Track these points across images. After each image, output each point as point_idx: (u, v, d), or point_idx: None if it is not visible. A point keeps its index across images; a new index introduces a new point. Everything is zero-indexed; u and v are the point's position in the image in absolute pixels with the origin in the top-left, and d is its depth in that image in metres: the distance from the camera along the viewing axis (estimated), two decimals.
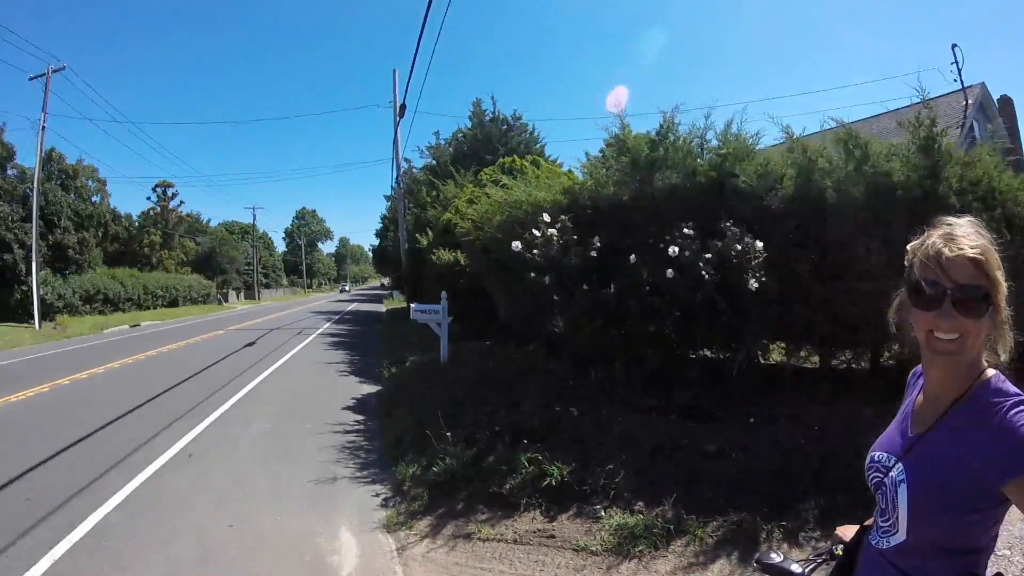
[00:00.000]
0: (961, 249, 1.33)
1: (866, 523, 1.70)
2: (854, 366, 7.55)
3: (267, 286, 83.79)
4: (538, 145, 27.24)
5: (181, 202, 64.80)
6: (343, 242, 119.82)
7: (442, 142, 30.54)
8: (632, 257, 6.59)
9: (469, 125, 28.28)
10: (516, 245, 7.16)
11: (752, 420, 6.40)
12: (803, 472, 5.44)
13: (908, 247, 1.50)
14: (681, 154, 6.97)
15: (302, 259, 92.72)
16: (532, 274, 7.18)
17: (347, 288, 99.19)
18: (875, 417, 6.41)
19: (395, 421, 9.15)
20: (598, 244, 6.97)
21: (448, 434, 6.44)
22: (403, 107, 23.85)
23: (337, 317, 36.30)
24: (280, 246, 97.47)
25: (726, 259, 6.13)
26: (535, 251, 7.05)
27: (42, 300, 28.86)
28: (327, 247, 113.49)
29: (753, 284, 5.94)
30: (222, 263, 66.61)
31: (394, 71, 25.88)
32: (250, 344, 20.91)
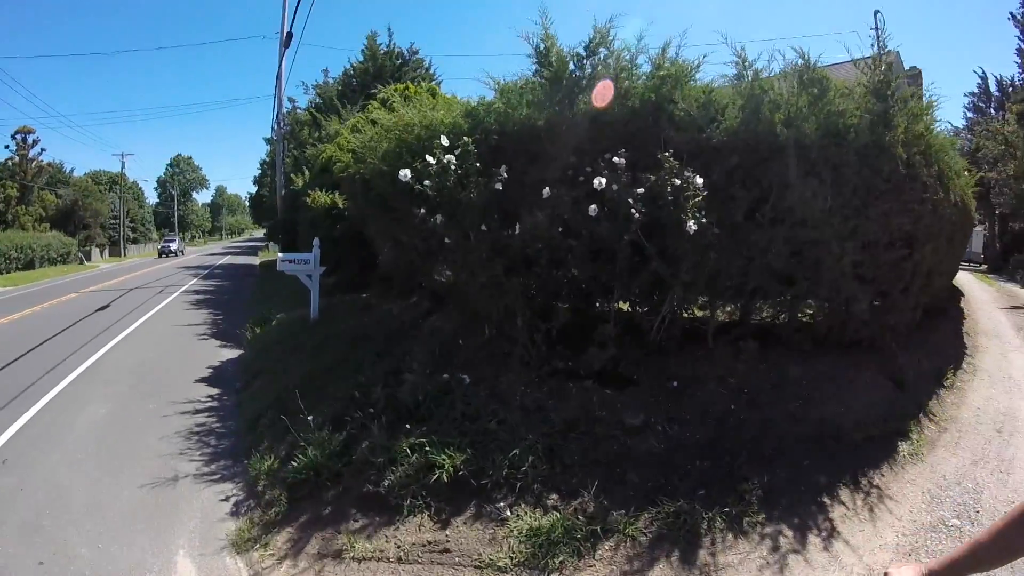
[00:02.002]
0: None
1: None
2: (775, 320, 6.78)
3: (135, 241, 75.96)
4: (434, 82, 25.37)
5: (43, 150, 56.54)
6: (219, 191, 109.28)
7: (331, 80, 27.92)
8: (546, 191, 5.34)
9: (362, 60, 25.93)
10: (404, 174, 5.72)
11: (675, 384, 5.52)
12: (738, 444, 4.79)
13: None
14: (612, 72, 5.74)
15: (174, 211, 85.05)
16: (422, 210, 5.78)
17: (175, 246, 58.98)
18: (803, 377, 5.72)
19: (255, 395, 7.75)
20: (504, 176, 5.67)
21: (310, 418, 5.03)
22: (290, 35, 21.19)
23: (206, 272, 33.03)
24: (152, 197, 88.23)
25: (660, 196, 5.01)
26: (427, 182, 5.65)
27: None
28: (203, 197, 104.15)
29: (692, 225, 4.86)
30: (85, 217, 59.36)
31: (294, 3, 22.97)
32: (103, 307, 18.11)
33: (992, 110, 26.76)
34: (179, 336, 13.07)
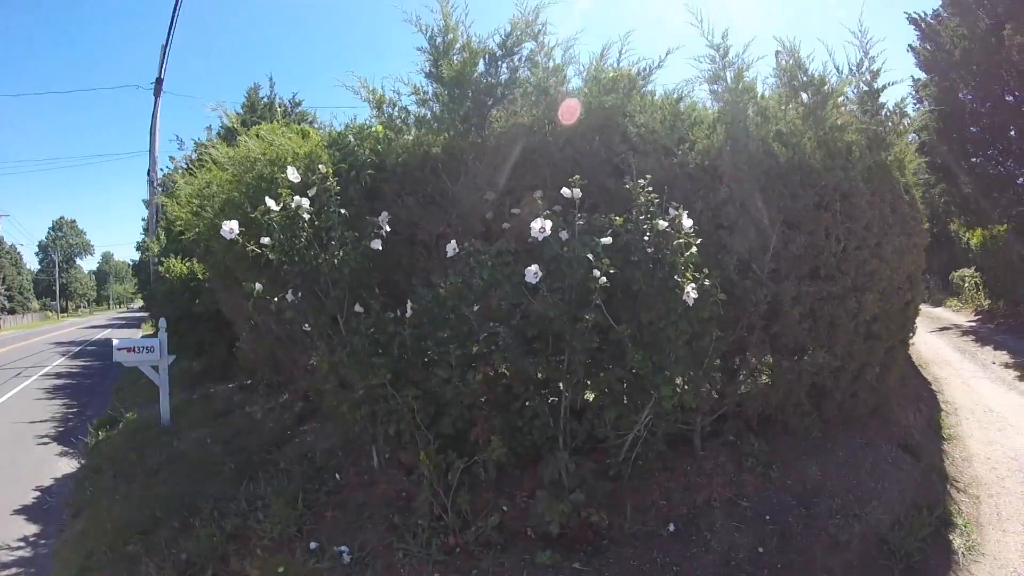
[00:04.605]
0: None
1: None
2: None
3: (11, 311, 67.55)
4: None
5: None
6: (106, 257, 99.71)
7: (213, 137, 24.99)
8: (452, 246, 3.27)
9: (241, 112, 23.12)
10: (230, 228, 3.53)
11: (672, 527, 3.56)
12: None
13: None
14: (541, 74, 3.83)
15: (55, 278, 76.63)
16: (256, 285, 3.60)
17: None
18: (825, 476, 4.27)
19: (70, 545, 5.18)
20: (386, 229, 3.58)
21: None
22: (159, 81, 18.59)
23: (78, 349, 28.50)
24: (32, 263, 79.60)
25: (635, 247, 3.05)
26: (267, 239, 3.49)
27: None
28: (90, 264, 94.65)
29: (691, 292, 2.91)
30: None
31: (163, 46, 19.89)
32: None
33: None
34: (16, 440, 9.94)
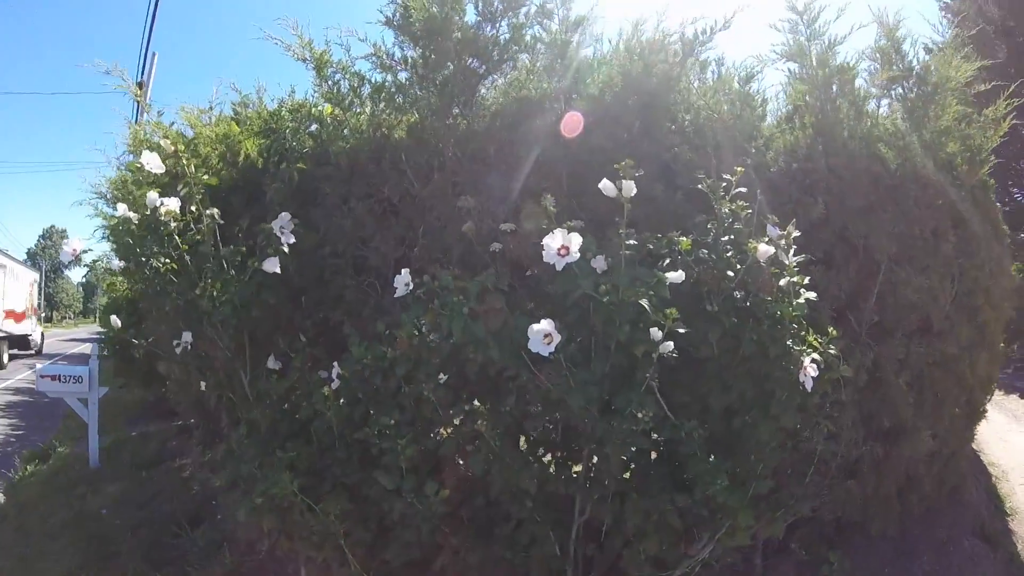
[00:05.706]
0: None
1: None
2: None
3: None
4: None
5: None
6: (95, 267, 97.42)
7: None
8: (402, 279, 1.97)
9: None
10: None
11: None
12: None
13: None
14: (561, 30, 2.59)
15: (41, 288, 74.12)
16: (114, 319, 2.33)
17: None
18: None
19: None
20: (289, 240, 2.26)
21: None
22: (140, 85, 17.29)
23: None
24: None
25: (711, 287, 1.78)
26: (118, 262, 2.22)
27: None
28: (77, 274, 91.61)
29: (811, 369, 1.64)
30: None
31: (153, 54, 18.37)
32: None
33: None
34: None
